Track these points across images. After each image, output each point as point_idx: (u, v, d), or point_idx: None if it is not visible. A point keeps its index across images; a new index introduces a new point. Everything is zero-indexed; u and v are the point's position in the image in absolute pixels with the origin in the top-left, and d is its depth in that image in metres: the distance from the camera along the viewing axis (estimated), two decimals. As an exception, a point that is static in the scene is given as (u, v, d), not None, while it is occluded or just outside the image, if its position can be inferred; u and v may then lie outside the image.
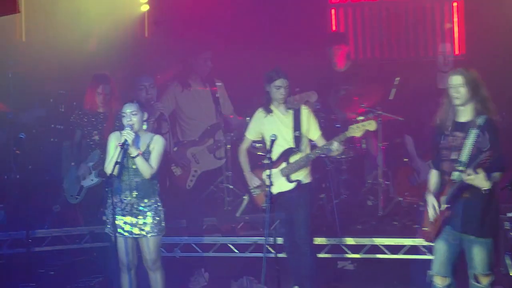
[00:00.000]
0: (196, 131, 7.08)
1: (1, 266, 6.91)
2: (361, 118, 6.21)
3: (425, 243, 6.35)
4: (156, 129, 6.46)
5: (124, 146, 5.72)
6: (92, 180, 6.69)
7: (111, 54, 7.68)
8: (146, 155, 5.87)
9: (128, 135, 5.74)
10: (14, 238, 7.01)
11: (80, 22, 8.01)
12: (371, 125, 6.06)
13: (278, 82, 6.16)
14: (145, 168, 5.83)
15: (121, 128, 5.93)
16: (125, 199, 5.88)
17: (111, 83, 6.72)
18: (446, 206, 5.27)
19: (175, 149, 6.98)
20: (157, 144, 5.90)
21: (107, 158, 5.92)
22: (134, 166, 5.84)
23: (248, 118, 6.86)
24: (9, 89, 7.53)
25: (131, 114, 5.82)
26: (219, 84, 7.17)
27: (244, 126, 6.83)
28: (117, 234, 5.80)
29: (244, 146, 6.43)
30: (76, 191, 6.74)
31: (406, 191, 7.46)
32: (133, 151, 5.79)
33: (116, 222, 5.80)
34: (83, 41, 7.91)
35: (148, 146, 5.90)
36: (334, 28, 9.02)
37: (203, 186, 7.15)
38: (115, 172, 5.74)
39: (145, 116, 5.92)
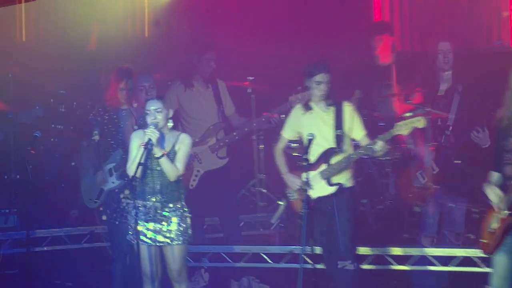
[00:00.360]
0: (198, 131, 7.15)
1: (1, 266, 7.02)
2: (409, 114, 6.08)
3: (480, 254, 6.11)
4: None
5: (148, 146, 5.60)
6: (113, 182, 6.59)
7: (111, 54, 7.86)
8: (171, 155, 5.74)
9: (152, 134, 5.61)
10: (14, 238, 7.10)
11: (80, 22, 8.18)
12: (420, 122, 5.86)
13: (319, 77, 6.02)
14: (170, 169, 5.71)
15: (144, 126, 5.80)
16: (148, 204, 5.76)
17: (135, 77, 6.72)
18: (508, 213, 5.07)
19: None
20: (183, 144, 5.79)
21: (129, 158, 5.81)
22: (158, 168, 5.72)
23: (283, 116, 6.76)
24: (9, 89, 7.65)
25: (155, 112, 5.70)
26: (222, 84, 7.22)
27: (248, 126, 6.98)
28: (140, 242, 5.68)
29: (280, 145, 6.31)
30: (95, 195, 6.67)
31: (410, 192, 7.22)
32: (157, 152, 5.67)
33: (139, 228, 5.68)
34: (83, 41, 8.09)
35: (173, 146, 5.78)
36: (378, 17, 8.83)
37: (206, 186, 7.16)
38: (138, 174, 5.62)
39: (171, 113, 5.82)
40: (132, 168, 5.67)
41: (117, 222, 6.33)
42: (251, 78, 7.70)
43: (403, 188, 7.58)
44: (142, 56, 8.00)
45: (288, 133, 6.28)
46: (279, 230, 7.37)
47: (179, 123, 7.18)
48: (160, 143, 5.70)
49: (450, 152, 7.30)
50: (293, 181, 6.14)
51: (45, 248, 7.19)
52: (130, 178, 5.68)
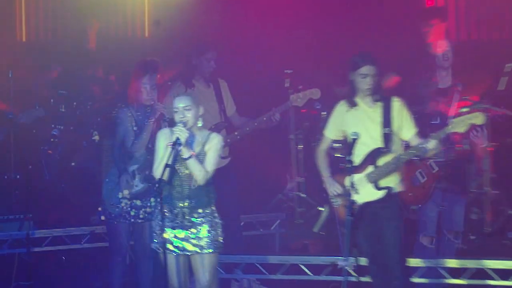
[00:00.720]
0: None
1: (1, 266, 7.23)
2: (466, 109, 5.95)
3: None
4: (155, 130, 6.40)
5: (175, 146, 5.48)
6: (136, 186, 6.54)
7: (111, 54, 8.25)
8: (200, 156, 5.63)
9: (180, 133, 5.49)
10: (14, 238, 7.30)
11: (80, 22, 8.53)
12: (478, 119, 5.69)
13: (364, 70, 5.86)
14: (199, 172, 5.59)
15: (171, 124, 5.75)
16: (175, 209, 5.65)
17: (159, 71, 6.84)
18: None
19: None
20: (213, 144, 5.68)
21: (155, 160, 5.69)
22: (186, 170, 5.61)
23: (324, 113, 6.88)
24: (9, 89, 7.89)
25: (184, 109, 5.60)
26: (223, 83, 7.36)
27: (249, 125, 7.05)
28: (166, 251, 5.54)
29: (323, 146, 6.16)
30: (118, 199, 6.61)
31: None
32: (185, 152, 5.54)
33: (165, 236, 5.55)
34: (83, 41, 8.37)
35: (203, 146, 5.67)
36: (430, 3, 8.75)
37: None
38: (165, 177, 5.48)
39: (201, 110, 5.69)
40: (158, 170, 5.55)
41: (115, 222, 6.40)
42: (289, 71, 7.68)
43: (458, 194, 7.32)
44: (142, 56, 8.03)
45: (331, 132, 6.14)
46: (317, 238, 7.37)
47: None
48: (189, 143, 5.59)
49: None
50: (336, 185, 6.01)
51: (45, 248, 7.38)
52: (156, 181, 5.55)
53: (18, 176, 7.78)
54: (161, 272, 5.63)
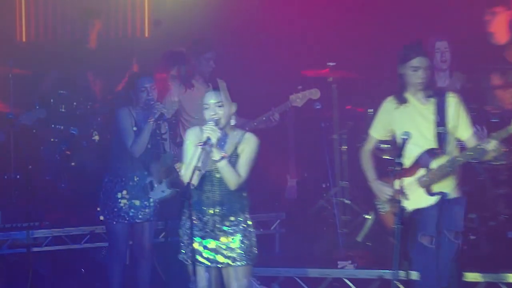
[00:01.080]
0: None
1: (1, 266, 7.46)
2: None
3: None
4: (154, 130, 6.54)
5: (206, 147, 5.24)
6: (162, 191, 6.59)
7: (111, 54, 8.53)
8: (233, 159, 5.39)
9: (212, 132, 5.26)
10: (14, 238, 7.48)
11: (81, 22, 8.76)
12: None
13: (416, 62, 5.66)
14: (231, 176, 5.36)
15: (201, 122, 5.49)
16: (205, 217, 5.43)
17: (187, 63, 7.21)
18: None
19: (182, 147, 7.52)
20: (248, 145, 5.44)
21: (184, 161, 5.47)
22: (218, 174, 5.38)
23: (370, 110, 6.69)
24: (9, 89, 8.16)
25: (215, 106, 5.40)
26: (222, 83, 7.48)
27: (248, 125, 7.14)
28: (195, 262, 5.35)
29: (368, 147, 5.98)
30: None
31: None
32: (216, 154, 5.30)
33: (194, 246, 5.33)
34: (84, 41, 8.61)
35: (236, 147, 5.43)
36: None
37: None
38: (194, 181, 5.26)
39: (234, 108, 5.49)
40: (187, 173, 5.29)
41: (114, 222, 6.50)
42: (331, 63, 7.72)
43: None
44: (142, 56, 8.55)
45: (377, 132, 5.95)
46: (362, 249, 7.23)
47: (180, 124, 7.49)
48: (221, 144, 5.36)
49: None
50: (383, 190, 5.80)
51: (45, 248, 7.56)
52: (185, 185, 5.26)
53: (18, 176, 8.02)
54: (190, 285, 5.48)
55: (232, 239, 5.41)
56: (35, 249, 7.39)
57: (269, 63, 8.70)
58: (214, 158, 5.31)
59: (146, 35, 9.72)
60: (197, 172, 5.22)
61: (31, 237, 6.92)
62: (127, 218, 6.51)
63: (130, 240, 6.70)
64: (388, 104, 5.84)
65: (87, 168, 7.99)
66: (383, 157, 6.86)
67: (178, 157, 6.98)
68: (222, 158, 5.31)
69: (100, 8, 8.97)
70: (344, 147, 7.93)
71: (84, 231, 7.61)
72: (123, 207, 6.48)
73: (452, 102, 5.69)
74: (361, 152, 6.01)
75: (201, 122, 7.05)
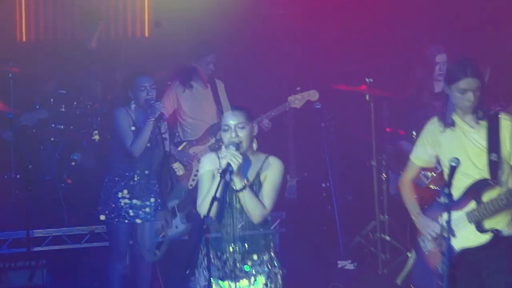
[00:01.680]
0: (197, 131, 7.54)
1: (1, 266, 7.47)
2: None
3: None
4: (154, 129, 6.55)
5: (226, 175, 4.67)
6: (176, 227, 6.51)
7: (111, 54, 8.65)
8: (256, 187, 4.87)
9: (233, 157, 4.70)
10: (14, 238, 7.53)
11: (80, 22, 8.84)
12: None
13: (464, 84, 5.07)
14: (254, 206, 4.82)
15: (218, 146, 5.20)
16: (225, 254, 4.90)
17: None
18: None
19: (180, 148, 7.49)
20: (272, 171, 4.91)
21: (200, 192, 4.92)
22: (238, 205, 4.87)
23: (414, 133, 6.41)
24: (9, 89, 8.30)
25: (237, 127, 4.85)
26: (220, 84, 7.73)
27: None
28: None
29: (409, 175, 5.42)
30: (155, 244, 6.65)
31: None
32: (238, 182, 4.77)
33: None
34: (83, 41, 8.67)
35: (258, 174, 4.90)
36: None
37: None
38: (212, 214, 4.66)
39: (255, 129, 4.95)
40: (204, 204, 4.77)
41: (115, 222, 6.50)
42: (370, 80, 7.54)
43: None
44: (142, 56, 8.69)
45: (420, 158, 5.36)
46: None
47: (178, 124, 7.59)
48: (243, 171, 4.80)
49: None
50: (428, 226, 5.27)
51: (45, 248, 7.61)
52: (202, 219, 4.71)
53: (18, 176, 8.21)
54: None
55: (255, 281, 4.88)
56: (35, 249, 7.41)
57: (269, 64, 8.76)
58: (235, 187, 4.79)
59: (146, 35, 9.82)
60: (215, 204, 4.64)
61: (31, 237, 6.98)
62: (128, 218, 6.48)
63: (131, 240, 6.67)
64: (432, 126, 5.26)
65: (87, 168, 8.09)
66: (428, 187, 6.50)
67: (177, 158, 7.26)
68: (244, 186, 4.78)
69: (101, 9, 9.13)
70: (384, 176, 7.49)
71: (84, 231, 7.67)
72: (124, 207, 6.45)
73: (506, 125, 5.10)
74: (401, 181, 5.50)
75: (201, 123, 7.56)
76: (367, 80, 7.55)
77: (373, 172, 7.60)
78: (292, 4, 9.08)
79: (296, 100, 7.24)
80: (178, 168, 7.37)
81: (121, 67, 8.46)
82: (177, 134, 7.57)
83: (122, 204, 6.47)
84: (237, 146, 4.77)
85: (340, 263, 7.12)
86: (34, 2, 9.49)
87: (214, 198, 4.62)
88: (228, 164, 4.68)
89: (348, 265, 7.20)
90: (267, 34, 8.97)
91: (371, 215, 7.69)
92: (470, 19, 8.19)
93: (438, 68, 7.16)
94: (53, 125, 8.27)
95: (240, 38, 8.74)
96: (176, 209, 6.40)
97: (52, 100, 8.35)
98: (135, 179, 6.47)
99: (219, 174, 4.69)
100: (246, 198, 4.79)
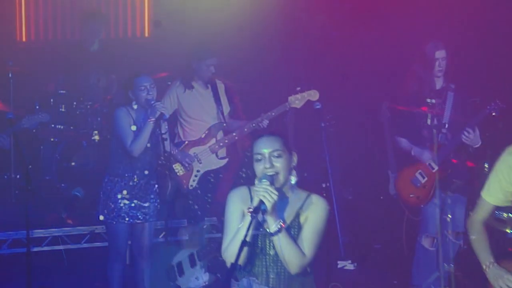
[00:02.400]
0: (197, 131, 7.53)
1: (1, 266, 7.55)
2: None
3: None
4: (154, 129, 6.53)
5: (258, 214, 4.00)
6: (196, 279, 6.10)
7: (111, 54, 8.70)
8: (294, 230, 4.15)
9: (266, 194, 3.97)
10: (14, 238, 7.58)
11: (80, 22, 8.91)
12: None
13: None
14: (292, 254, 4.08)
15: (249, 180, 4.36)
16: None
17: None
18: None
19: (180, 148, 7.49)
20: (314, 213, 4.18)
21: (227, 234, 4.20)
22: (272, 251, 4.16)
23: (486, 166, 6.03)
24: (9, 89, 8.30)
25: (271, 156, 4.13)
26: (220, 84, 7.73)
27: (247, 127, 7.21)
28: None
29: (481, 216, 4.57)
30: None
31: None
32: (272, 224, 4.05)
33: None
34: (85, 42, 8.70)
35: (298, 214, 4.19)
36: None
37: (205, 186, 7.53)
38: (242, 261, 4.01)
39: (295, 159, 4.22)
40: (231, 250, 4.06)
41: (114, 222, 6.45)
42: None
43: None
44: (142, 56, 8.71)
45: (493, 195, 4.53)
46: None
47: (179, 124, 7.57)
48: (279, 210, 4.08)
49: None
50: (503, 278, 4.49)
51: (45, 248, 7.66)
52: (229, 268, 4.05)
53: (18, 176, 8.22)
54: None
55: None
56: (35, 249, 7.44)
57: (269, 64, 8.84)
58: (269, 230, 4.09)
59: (146, 35, 9.88)
60: (245, 249, 3.99)
61: (31, 237, 6.89)
62: (127, 218, 6.45)
63: (130, 240, 6.66)
64: (508, 158, 4.40)
65: (87, 168, 8.12)
66: (503, 230, 5.44)
67: (177, 158, 7.21)
68: (280, 229, 4.08)
69: (105, 12, 9.20)
70: (449, 216, 6.54)
71: (83, 231, 7.71)
72: (123, 207, 6.42)
73: None
74: (470, 222, 4.66)
75: (201, 124, 7.34)
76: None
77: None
78: (292, 4, 9.11)
79: (297, 100, 7.25)
80: (178, 168, 7.37)
81: (120, 68, 8.42)
82: (177, 134, 7.57)
83: (122, 204, 6.45)
84: (272, 180, 4.07)
85: (340, 263, 7.12)
86: (34, 2, 9.53)
87: (243, 243, 3.96)
88: (261, 202, 3.99)
89: (348, 265, 7.23)
90: (267, 34, 9.02)
91: (371, 215, 7.70)
92: (469, 15, 8.23)
93: (437, 64, 7.16)
94: (53, 125, 8.31)
95: (241, 38, 8.75)
96: (195, 256, 6.00)
97: (52, 100, 8.39)
98: (135, 179, 6.47)
99: (249, 214, 4.00)
100: (282, 244, 4.06)
